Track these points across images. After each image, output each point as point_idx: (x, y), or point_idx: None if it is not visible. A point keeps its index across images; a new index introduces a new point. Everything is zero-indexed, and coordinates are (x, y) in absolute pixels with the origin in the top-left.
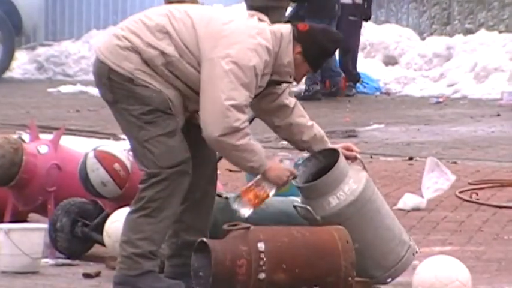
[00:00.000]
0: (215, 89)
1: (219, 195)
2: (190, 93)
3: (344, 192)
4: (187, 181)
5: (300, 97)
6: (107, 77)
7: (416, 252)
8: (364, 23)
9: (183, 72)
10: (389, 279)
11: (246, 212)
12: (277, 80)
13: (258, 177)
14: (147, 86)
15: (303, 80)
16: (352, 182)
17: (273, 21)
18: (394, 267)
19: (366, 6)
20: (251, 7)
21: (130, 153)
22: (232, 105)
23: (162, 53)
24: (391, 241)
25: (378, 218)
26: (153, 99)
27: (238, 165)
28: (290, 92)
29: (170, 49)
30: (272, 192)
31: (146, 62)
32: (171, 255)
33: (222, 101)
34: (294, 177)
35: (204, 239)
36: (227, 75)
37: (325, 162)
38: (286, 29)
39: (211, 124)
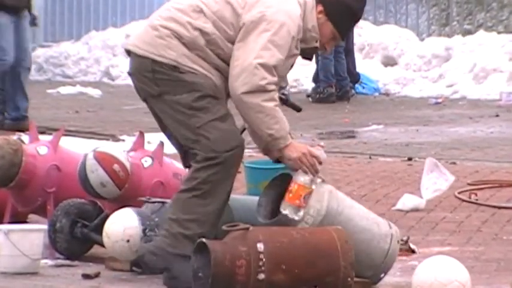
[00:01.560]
0: (246, 49)
1: None
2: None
3: (310, 215)
4: (238, 167)
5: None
6: (150, 70)
7: (403, 240)
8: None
9: (223, 50)
10: (382, 275)
11: (299, 215)
12: (304, 47)
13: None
14: (193, 72)
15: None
16: (315, 202)
17: None
18: (382, 263)
19: None
20: None
21: (130, 154)
22: (260, 64)
23: (201, 32)
24: (371, 241)
25: (351, 225)
26: (201, 84)
27: (258, 131)
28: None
29: (208, 26)
30: (307, 182)
31: (187, 46)
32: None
33: (251, 59)
34: (320, 163)
35: (204, 240)
36: (260, 36)
37: (284, 186)
38: None
39: (236, 81)
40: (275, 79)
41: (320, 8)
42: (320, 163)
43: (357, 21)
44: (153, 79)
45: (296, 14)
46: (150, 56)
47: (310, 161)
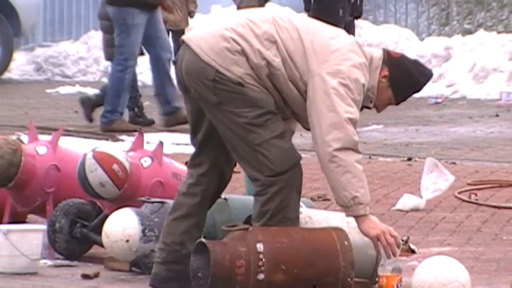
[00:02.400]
0: (331, 103)
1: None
2: (282, 106)
3: None
4: (302, 178)
5: None
6: (212, 79)
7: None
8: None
9: (282, 86)
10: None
11: None
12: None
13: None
14: (257, 89)
15: None
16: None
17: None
18: (374, 269)
19: (358, 3)
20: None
21: (129, 154)
22: (350, 119)
23: (269, 64)
24: (358, 255)
25: None
26: (264, 100)
27: (342, 192)
28: None
29: (277, 61)
30: (396, 270)
31: (253, 68)
32: (170, 261)
33: (341, 114)
34: (398, 246)
35: (203, 240)
36: (341, 90)
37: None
38: (377, 52)
39: (328, 137)
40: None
41: (385, 72)
42: (399, 245)
43: (416, 92)
44: (213, 88)
45: (366, 68)
46: (216, 66)
47: (389, 240)
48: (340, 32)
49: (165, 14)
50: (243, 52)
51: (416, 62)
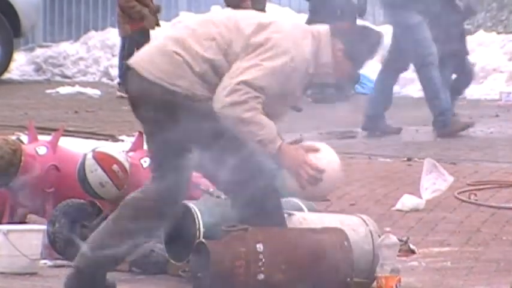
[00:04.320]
0: (236, 66)
1: (210, 194)
2: None
3: None
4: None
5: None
6: (160, 98)
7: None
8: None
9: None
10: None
11: None
12: (318, 82)
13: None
14: (207, 100)
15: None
16: None
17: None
18: (372, 263)
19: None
20: None
21: (129, 154)
22: (243, 81)
23: (212, 65)
24: (355, 250)
25: None
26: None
27: (254, 144)
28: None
29: (218, 59)
30: (395, 271)
31: (197, 76)
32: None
33: (236, 76)
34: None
35: (203, 240)
36: (258, 56)
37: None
38: (323, 28)
39: (219, 95)
40: (259, 94)
41: (340, 45)
42: (318, 178)
43: (372, 57)
44: (163, 107)
45: (305, 48)
46: (162, 83)
47: (309, 173)
48: (277, 18)
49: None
50: (185, 63)
51: (365, 27)
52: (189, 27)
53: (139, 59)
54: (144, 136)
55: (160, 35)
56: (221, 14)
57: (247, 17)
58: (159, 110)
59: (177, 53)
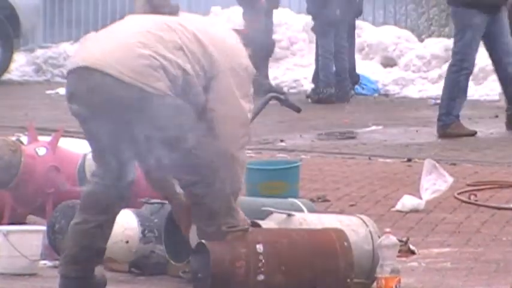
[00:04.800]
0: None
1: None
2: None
3: None
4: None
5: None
6: (137, 98)
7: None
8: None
9: (191, 91)
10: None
11: None
12: None
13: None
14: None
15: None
16: None
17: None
18: (372, 264)
19: (357, 0)
20: None
21: None
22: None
23: (184, 72)
24: (354, 251)
25: None
26: (185, 107)
27: (234, 186)
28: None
29: (189, 67)
30: (395, 271)
31: (171, 80)
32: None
33: (246, 112)
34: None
35: (203, 241)
36: (240, 86)
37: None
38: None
39: (236, 137)
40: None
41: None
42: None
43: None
44: (139, 108)
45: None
46: (139, 85)
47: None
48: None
49: None
50: (162, 67)
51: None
52: (149, 32)
53: (102, 58)
54: (86, 133)
55: (113, 38)
56: (170, 19)
57: (199, 28)
58: (132, 109)
59: (153, 57)
